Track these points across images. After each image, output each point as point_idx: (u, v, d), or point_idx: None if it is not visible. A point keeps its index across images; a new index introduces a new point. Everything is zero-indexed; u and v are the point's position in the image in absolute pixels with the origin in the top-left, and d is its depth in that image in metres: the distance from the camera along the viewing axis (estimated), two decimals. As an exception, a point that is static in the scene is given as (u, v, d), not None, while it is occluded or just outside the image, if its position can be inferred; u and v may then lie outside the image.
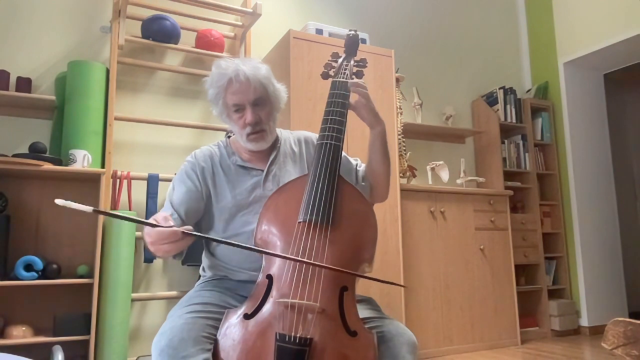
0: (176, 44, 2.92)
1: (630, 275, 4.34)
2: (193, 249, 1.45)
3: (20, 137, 2.59)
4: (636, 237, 4.90)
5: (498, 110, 3.98)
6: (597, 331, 3.81)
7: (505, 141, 3.99)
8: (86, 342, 2.36)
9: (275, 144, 1.47)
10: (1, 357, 1.29)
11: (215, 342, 1.10)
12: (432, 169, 3.62)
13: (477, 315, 3.31)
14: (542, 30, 4.40)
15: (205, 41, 2.97)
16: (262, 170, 1.42)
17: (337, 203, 1.24)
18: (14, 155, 2.34)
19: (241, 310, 1.12)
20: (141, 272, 2.74)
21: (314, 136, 1.54)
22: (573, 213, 4.00)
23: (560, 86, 4.19)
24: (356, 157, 1.61)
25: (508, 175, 3.94)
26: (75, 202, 0.93)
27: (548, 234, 4.04)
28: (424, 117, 3.82)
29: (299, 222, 1.21)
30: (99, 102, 2.59)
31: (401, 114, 3.37)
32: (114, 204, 2.60)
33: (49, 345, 2.24)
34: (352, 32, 1.59)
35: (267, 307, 1.11)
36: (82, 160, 2.45)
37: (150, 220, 1.10)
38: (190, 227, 1.11)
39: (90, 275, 2.43)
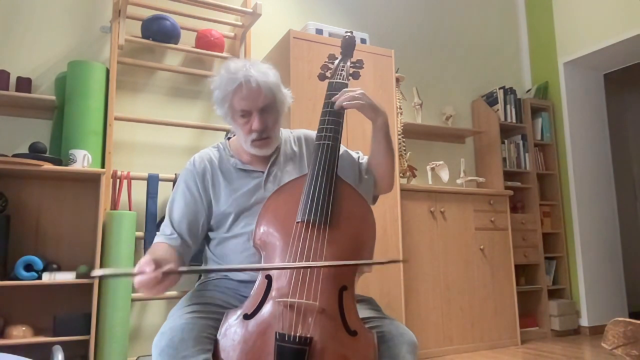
0: (176, 44, 2.92)
1: (630, 275, 4.34)
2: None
3: (20, 137, 2.59)
4: (636, 237, 4.90)
5: (498, 110, 3.98)
6: (597, 331, 3.81)
7: (505, 141, 3.99)
8: (86, 342, 2.36)
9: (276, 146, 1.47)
10: (1, 357, 1.29)
11: (215, 342, 1.10)
12: (432, 169, 3.62)
13: (477, 315, 3.32)
14: (542, 30, 4.40)
15: (205, 41, 2.97)
16: (263, 172, 1.42)
17: (335, 203, 1.24)
18: (14, 155, 2.34)
19: (241, 311, 1.12)
20: (141, 272, 2.74)
21: (313, 134, 1.54)
22: (573, 213, 4.00)
23: (560, 86, 4.19)
24: (357, 150, 1.61)
25: (508, 175, 3.95)
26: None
27: (548, 234, 4.04)
28: (424, 117, 3.82)
29: (297, 222, 1.21)
30: (99, 102, 2.59)
31: (401, 114, 3.37)
32: (114, 204, 2.60)
33: (49, 345, 2.23)
34: (349, 34, 1.61)
35: (267, 307, 1.11)
36: (82, 160, 2.45)
37: (136, 269, 1.08)
38: (171, 266, 1.09)
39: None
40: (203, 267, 1.11)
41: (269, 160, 1.44)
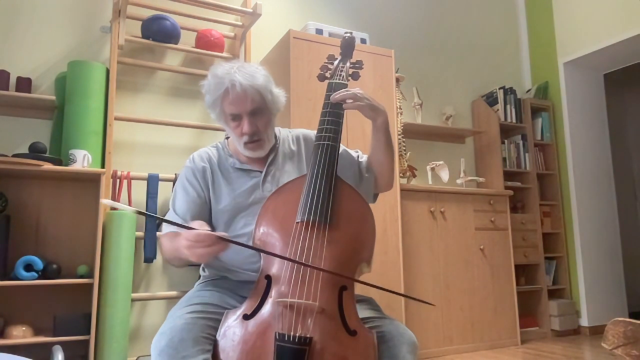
0: (176, 44, 2.92)
1: (630, 275, 4.34)
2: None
3: (20, 137, 2.59)
4: (636, 237, 4.90)
5: (498, 110, 3.98)
6: (597, 331, 3.80)
7: (505, 141, 3.99)
8: (86, 342, 2.36)
9: (273, 145, 1.47)
10: (1, 357, 1.29)
11: (215, 343, 1.10)
12: (432, 169, 3.62)
13: (477, 315, 3.31)
14: (542, 30, 4.40)
15: (205, 41, 2.97)
16: (261, 172, 1.42)
17: (335, 203, 1.24)
18: (14, 155, 2.34)
19: (240, 311, 1.12)
20: (141, 272, 2.75)
21: (312, 133, 1.54)
22: (573, 213, 4.00)
23: (560, 86, 4.19)
24: (356, 149, 1.61)
25: (508, 175, 3.95)
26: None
27: (548, 234, 4.04)
28: (424, 117, 3.82)
29: (297, 223, 1.21)
30: (99, 102, 2.59)
31: (401, 114, 3.37)
32: (114, 204, 2.60)
33: (49, 345, 2.23)
34: (348, 35, 1.60)
35: (267, 307, 1.11)
36: (82, 160, 2.45)
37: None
38: (225, 234, 1.12)
39: (90, 275, 2.43)
40: (269, 251, 1.14)
41: (266, 160, 1.44)
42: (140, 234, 2.61)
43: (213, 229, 1.41)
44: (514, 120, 4.03)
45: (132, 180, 2.68)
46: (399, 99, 3.31)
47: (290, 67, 2.76)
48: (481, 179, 3.76)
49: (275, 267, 1.17)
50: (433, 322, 3.13)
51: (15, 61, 2.64)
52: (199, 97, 3.07)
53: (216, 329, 1.13)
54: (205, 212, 1.40)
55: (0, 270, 2.28)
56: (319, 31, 3.01)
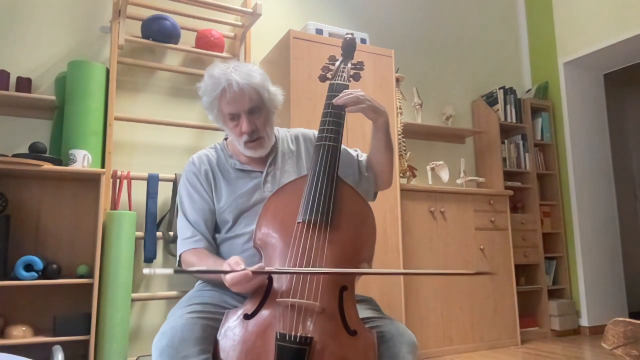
0: (176, 44, 2.92)
1: (630, 275, 4.34)
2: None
3: (20, 137, 2.59)
4: (636, 237, 4.90)
5: (498, 110, 3.98)
6: (597, 331, 3.80)
7: (505, 141, 3.99)
8: (86, 342, 2.36)
9: (273, 145, 1.47)
10: (1, 357, 1.29)
11: (215, 343, 1.10)
12: (432, 169, 3.62)
13: (477, 315, 3.31)
14: (542, 30, 4.40)
15: (205, 41, 2.97)
16: (262, 172, 1.42)
17: (336, 203, 1.24)
18: (14, 155, 2.34)
19: (241, 311, 1.12)
20: (141, 272, 2.74)
21: (311, 133, 1.55)
22: (573, 213, 4.00)
23: (560, 86, 4.19)
24: (356, 148, 1.61)
25: (508, 175, 3.95)
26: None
27: (548, 234, 4.04)
28: (424, 117, 3.82)
29: (299, 223, 1.21)
30: (99, 102, 2.59)
31: (401, 114, 3.37)
32: (114, 204, 2.60)
33: (49, 345, 2.23)
34: (349, 36, 1.61)
35: (267, 307, 1.11)
36: (82, 160, 2.45)
37: (224, 266, 1.14)
38: (261, 265, 1.13)
39: (90, 275, 2.43)
40: (290, 268, 1.13)
41: (267, 161, 1.44)
42: (140, 234, 2.61)
43: (218, 229, 1.42)
44: (514, 120, 4.03)
45: (132, 180, 2.68)
46: (399, 99, 3.31)
47: (290, 67, 2.76)
48: (481, 179, 3.76)
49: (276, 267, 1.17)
50: (433, 322, 3.14)
51: (15, 61, 2.64)
52: (199, 97, 3.05)
53: (217, 328, 1.12)
54: (214, 214, 1.41)
55: (0, 270, 2.28)
56: (319, 31, 3.01)
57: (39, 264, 2.28)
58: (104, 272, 2.39)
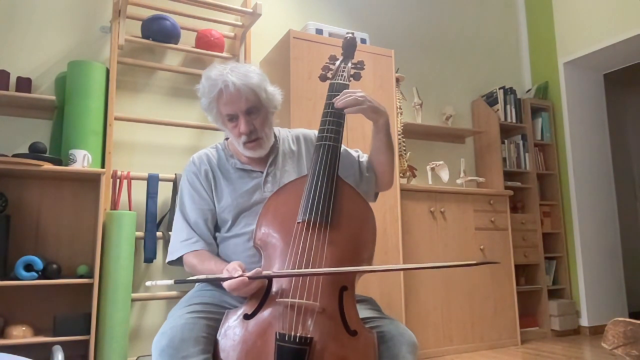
0: (176, 44, 2.92)
1: (630, 275, 4.34)
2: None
3: (20, 137, 2.59)
4: (636, 237, 4.90)
5: (498, 110, 3.98)
6: (597, 331, 3.80)
7: (505, 141, 3.99)
8: (86, 342, 2.36)
9: (273, 145, 1.47)
10: (1, 357, 1.29)
11: (215, 343, 1.10)
12: (432, 169, 3.62)
13: (477, 315, 3.31)
14: (542, 30, 4.40)
15: (205, 41, 2.97)
16: (262, 172, 1.43)
17: (336, 203, 1.24)
18: (14, 155, 2.34)
19: (241, 311, 1.12)
20: (141, 272, 2.74)
21: (312, 133, 1.54)
22: (573, 213, 4.00)
23: (560, 86, 4.19)
24: (356, 148, 1.61)
25: (508, 175, 3.95)
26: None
27: (548, 234, 4.04)
28: (424, 117, 3.82)
29: (298, 222, 1.21)
30: (99, 102, 2.59)
31: (401, 114, 3.37)
32: (114, 204, 2.60)
33: (49, 345, 2.23)
34: (350, 35, 1.61)
35: (267, 307, 1.11)
36: (82, 160, 2.45)
37: (223, 272, 1.16)
38: (258, 270, 1.13)
39: (90, 275, 2.43)
40: (290, 271, 1.13)
41: (267, 161, 1.44)
42: (140, 234, 2.61)
43: (218, 228, 1.42)
44: (514, 120, 4.03)
45: (132, 180, 2.68)
46: (399, 99, 3.31)
47: (290, 67, 2.76)
48: (481, 179, 3.76)
49: (276, 268, 1.17)
50: (433, 322, 3.14)
51: (15, 61, 2.64)
52: (199, 97, 3.06)
53: (216, 328, 1.13)
54: (214, 214, 1.41)
55: (0, 270, 2.28)
56: (319, 31, 3.01)
57: (39, 264, 2.28)
58: (104, 272, 2.39)
